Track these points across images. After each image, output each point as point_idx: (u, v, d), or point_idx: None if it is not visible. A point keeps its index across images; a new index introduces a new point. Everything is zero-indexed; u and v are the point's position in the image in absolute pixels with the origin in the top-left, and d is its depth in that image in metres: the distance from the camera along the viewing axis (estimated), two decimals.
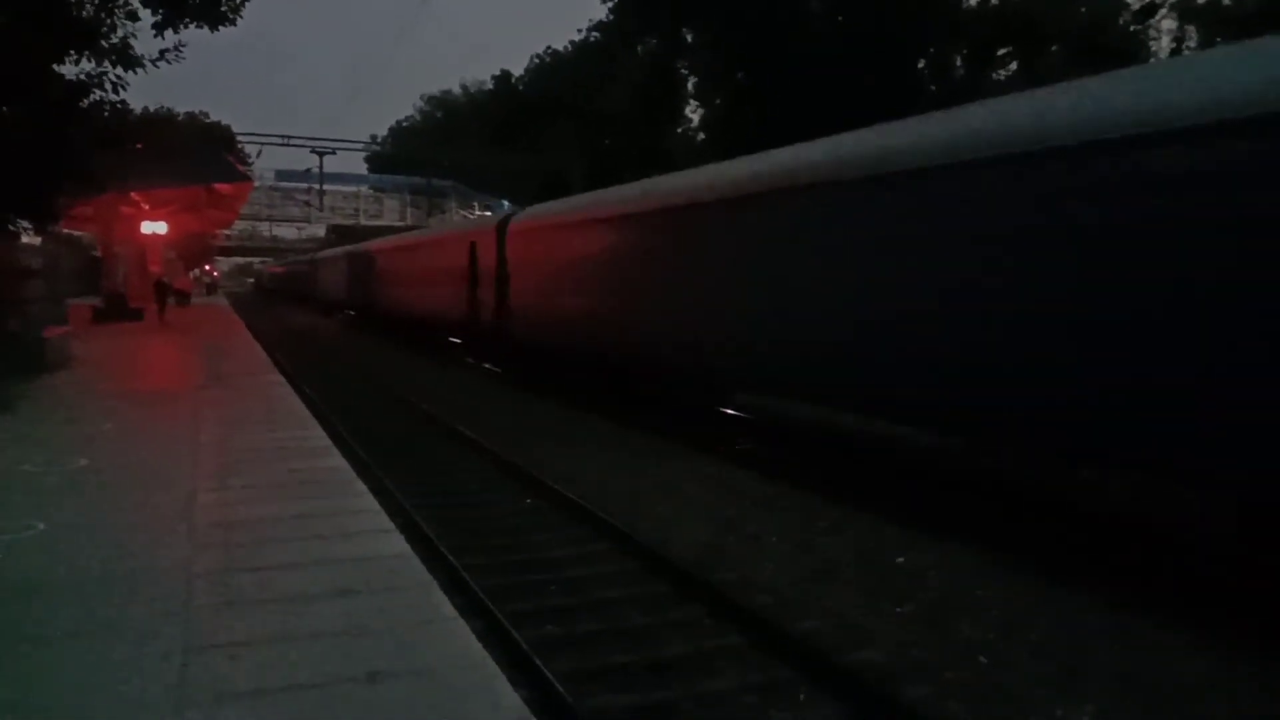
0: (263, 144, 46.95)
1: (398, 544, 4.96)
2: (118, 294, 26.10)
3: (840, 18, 30.39)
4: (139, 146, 18.43)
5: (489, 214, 40.00)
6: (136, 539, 4.99)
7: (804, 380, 9.21)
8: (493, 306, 18.03)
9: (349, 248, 38.94)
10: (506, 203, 47.92)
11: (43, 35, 11.28)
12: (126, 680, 3.29)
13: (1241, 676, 4.72)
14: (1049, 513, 7.50)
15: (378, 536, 5.09)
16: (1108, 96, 6.17)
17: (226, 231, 57.00)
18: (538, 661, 4.73)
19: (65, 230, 26.45)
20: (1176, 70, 6.96)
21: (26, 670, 3.41)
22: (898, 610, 5.67)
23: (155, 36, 12.43)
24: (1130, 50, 28.41)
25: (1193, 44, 29.23)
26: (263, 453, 7.37)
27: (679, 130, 42.82)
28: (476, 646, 3.63)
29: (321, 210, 55.65)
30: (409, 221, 53.78)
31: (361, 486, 6.36)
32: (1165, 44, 30.62)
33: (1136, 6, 29.74)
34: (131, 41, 12.49)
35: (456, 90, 74.86)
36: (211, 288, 61.80)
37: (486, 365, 19.82)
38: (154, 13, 12.40)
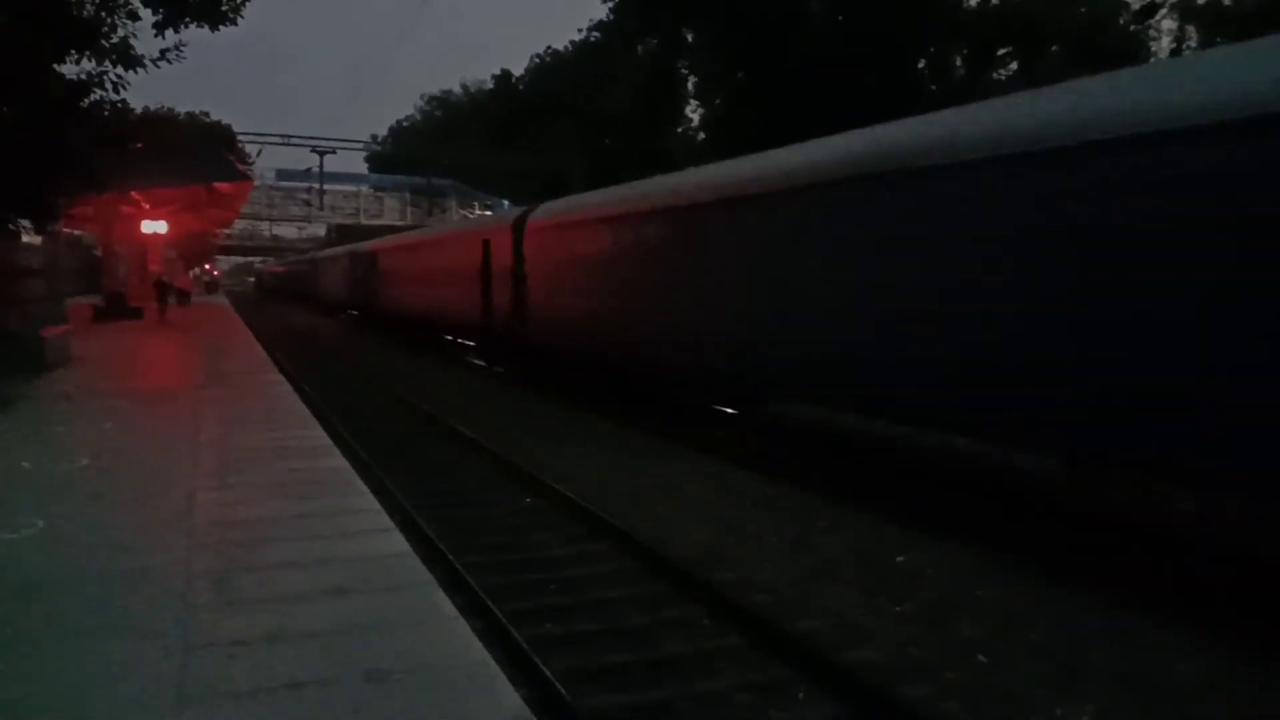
0: (263, 143, 47.05)
1: (397, 543, 4.96)
2: (118, 293, 26.09)
3: (840, 17, 30.39)
4: (139, 146, 18.45)
5: (503, 211, 39.76)
6: (136, 538, 4.99)
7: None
8: (508, 308, 17.12)
9: (352, 246, 38.35)
10: (507, 202, 47.92)
11: (43, 35, 11.28)
12: (126, 679, 3.30)
13: (1241, 676, 4.72)
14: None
15: (377, 536, 5.09)
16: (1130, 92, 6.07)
17: (227, 231, 56.95)
18: (537, 660, 4.74)
19: (65, 229, 26.45)
20: (1176, 71, 6.95)
21: (25, 669, 3.41)
22: (897, 610, 5.67)
23: (156, 36, 12.44)
24: (1130, 50, 28.40)
25: (1193, 44, 29.23)
26: (263, 452, 7.37)
27: (679, 130, 42.83)
28: (476, 645, 3.63)
29: (322, 209, 55.66)
30: (409, 221, 53.75)
31: (361, 486, 6.36)
32: (1165, 44, 30.63)
33: (1136, 7, 29.74)
34: (132, 41, 12.49)
35: (457, 90, 75.00)
36: (212, 287, 61.77)
37: (500, 369, 18.95)
38: (155, 12, 12.38)
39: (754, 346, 9.81)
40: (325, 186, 54.55)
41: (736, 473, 9.29)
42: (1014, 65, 31.31)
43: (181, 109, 41.63)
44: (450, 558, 6.38)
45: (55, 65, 12.14)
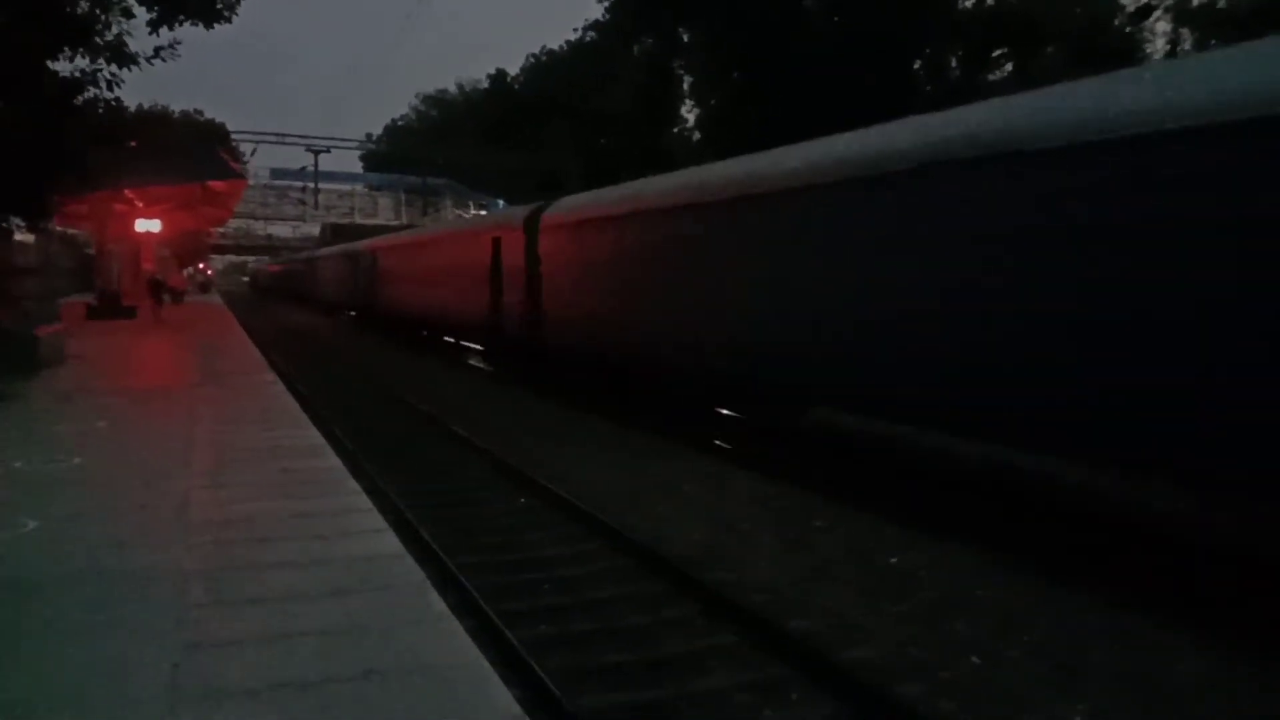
0: (258, 142, 47.04)
1: (391, 543, 4.93)
2: (112, 292, 25.99)
3: (836, 18, 30.42)
4: (134, 144, 18.38)
5: (498, 209, 39.49)
6: (130, 537, 4.95)
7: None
8: (521, 310, 16.13)
9: (351, 245, 37.83)
10: (501, 202, 47.90)
11: (37, 32, 11.23)
12: (121, 678, 3.26)
13: (1241, 676, 4.71)
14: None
15: (371, 536, 5.05)
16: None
17: (221, 229, 56.87)
18: (530, 662, 4.70)
19: (59, 228, 26.38)
20: (1175, 71, 6.94)
21: (20, 669, 3.37)
22: (896, 609, 5.65)
23: (151, 34, 12.39)
24: (1127, 51, 28.46)
25: (1187, 46, 29.31)
26: (257, 452, 7.33)
27: (675, 130, 42.82)
28: (470, 645, 3.60)
29: (316, 209, 55.56)
30: (404, 220, 53.69)
31: (355, 485, 6.32)
32: (1160, 46, 30.71)
33: (1132, 9, 29.82)
34: (126, 39, 12.45)
35: (452, 89, 74.92)
36: (206, 286, 61.61)
37: (510, 374, 17.87)
38: (149, 10, 12.35)
39: (875, 351, 8.14)
40: (320, 185, 54.47)
41: (737, 472, 9.25)
42: (1009, 66, 31.35)
43: (177, 107, 41.58)
44: (444, 558, 6.34)
45: (50, 62, 12.08)
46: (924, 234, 7.52)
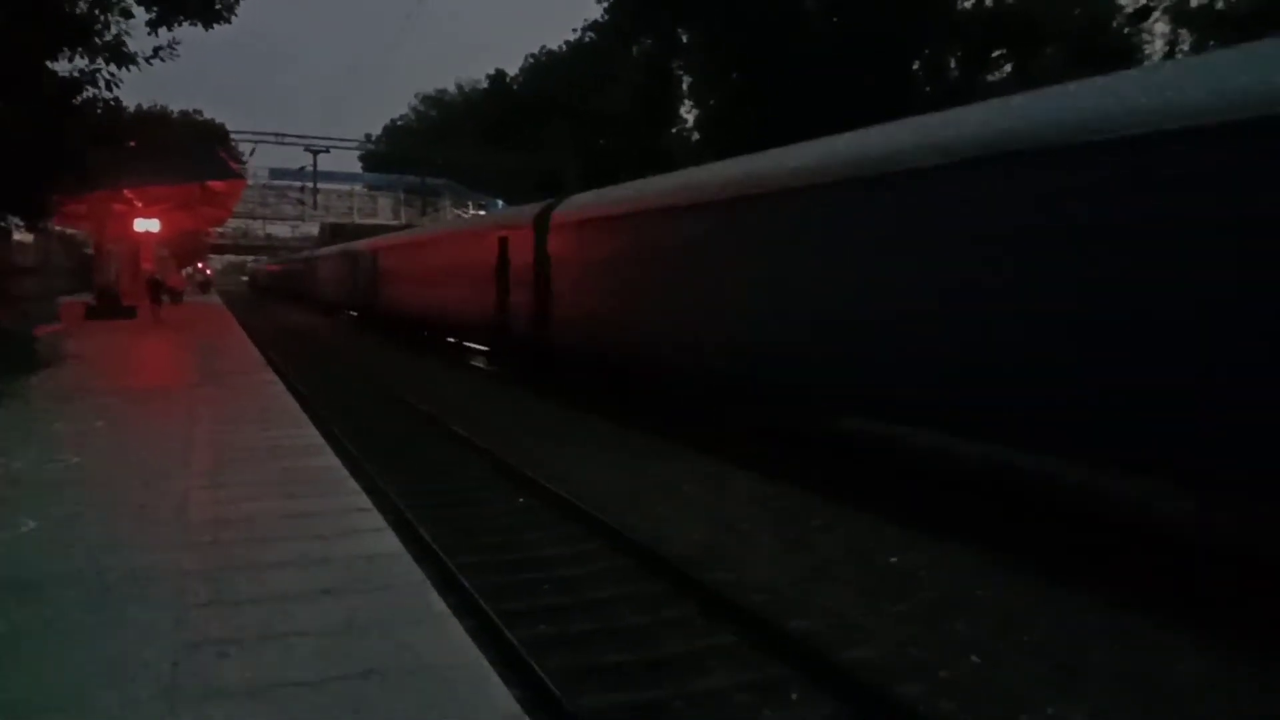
0: (257, 142, 46.84)
1: (391, 543, 4.92)
2: (111, 291, 25.97)
3: (835, 19, 30.42)
4: (133, 144, 18.37)
5: (498, 209, 39.44)
6: (129, 537, 4.94)
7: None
8: (529, 311, 15.75)
9: (351, 244, 37.67)
10: (500, 202, 47.90)
11: (36, 32, 11.22)
12: (120, 678, 3.25)
13: (1241, 676, 4.71)
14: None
15: (371, 535, 5.04)
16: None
17: (220, 229, 56.84)
18: (530, 662, 4.70)
19: (58, 227, 26.36)
20: (1175, 72, 6.94)
21: (19, 669, 3.36)
22: (896, 609, 5.65)
23: (149, 34, 12.38)
24: (1126, 52, 28.47)
25: (1185, 47, 29.33)
26: (257, 451, 7.32)
27: (674, 130, 42.81)
28: (470, 645, 3.59)
29: (315, 208, 55.50)
30: (403, 220, 53.67)
31: (354, 485, 6.31)
32: (1159, 47, 30.73)
33: (1131, 10, 29.83)
34: (125, 38, 12.44)
35: (452, 89, 74.88)
36: (205, 286, 61.55)
37: (511, 374, 17.77)
38: (148, 10, 12.34)
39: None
40: (319, 185, 54.37)
41: (736, 473, 9.25)
42: (1008, 67, 31.37)
43: (176, 108, 41.51)
44: (444, 558, 6.34)
45: (48, 62, 12.07)
46: (924, 234, 7.53)
